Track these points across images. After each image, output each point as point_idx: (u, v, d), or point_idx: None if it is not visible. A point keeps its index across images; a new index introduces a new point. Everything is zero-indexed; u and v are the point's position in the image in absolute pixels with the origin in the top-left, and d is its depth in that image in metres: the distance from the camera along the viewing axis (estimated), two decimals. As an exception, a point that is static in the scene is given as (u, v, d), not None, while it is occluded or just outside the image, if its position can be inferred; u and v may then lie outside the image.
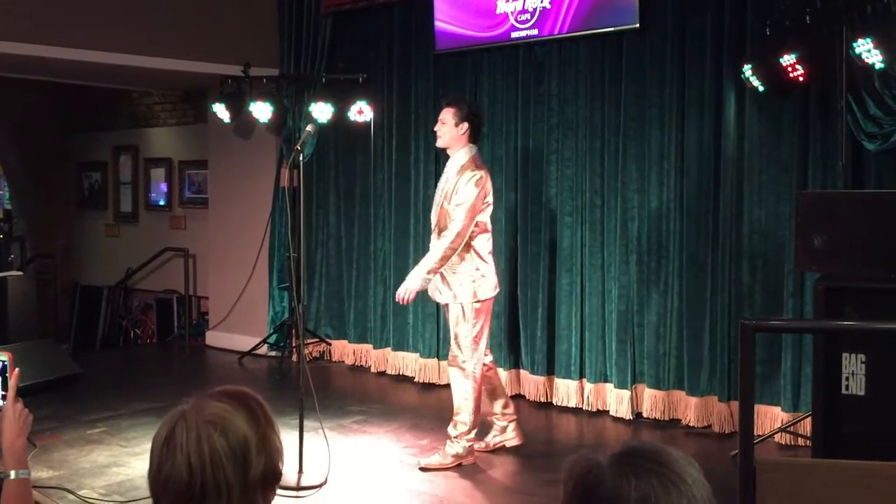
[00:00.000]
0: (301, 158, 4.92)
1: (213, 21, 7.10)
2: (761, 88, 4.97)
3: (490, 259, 4.69)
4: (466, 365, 4.60)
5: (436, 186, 6.52)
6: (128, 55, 6.67)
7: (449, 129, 4.64)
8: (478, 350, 4.63)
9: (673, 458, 1.19)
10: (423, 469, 4.62)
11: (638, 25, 5.52)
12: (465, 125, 4.63)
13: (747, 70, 4.95)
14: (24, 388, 6.49)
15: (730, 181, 5.25)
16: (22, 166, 9.98)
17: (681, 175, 5.43)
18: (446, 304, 4.69)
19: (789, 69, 4.76)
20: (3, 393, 2.09)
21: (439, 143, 4.75)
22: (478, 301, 4.59)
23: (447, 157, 6.45)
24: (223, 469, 1.42)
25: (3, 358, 2.14)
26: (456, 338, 4.63)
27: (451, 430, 4.67)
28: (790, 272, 5.00)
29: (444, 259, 4.54)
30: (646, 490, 1.14)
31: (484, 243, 4.65)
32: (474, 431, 4.67)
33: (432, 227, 4.78)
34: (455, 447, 4.64)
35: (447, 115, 4.66)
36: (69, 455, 4.85)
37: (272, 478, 1.49)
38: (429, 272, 4.56)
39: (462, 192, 4.52)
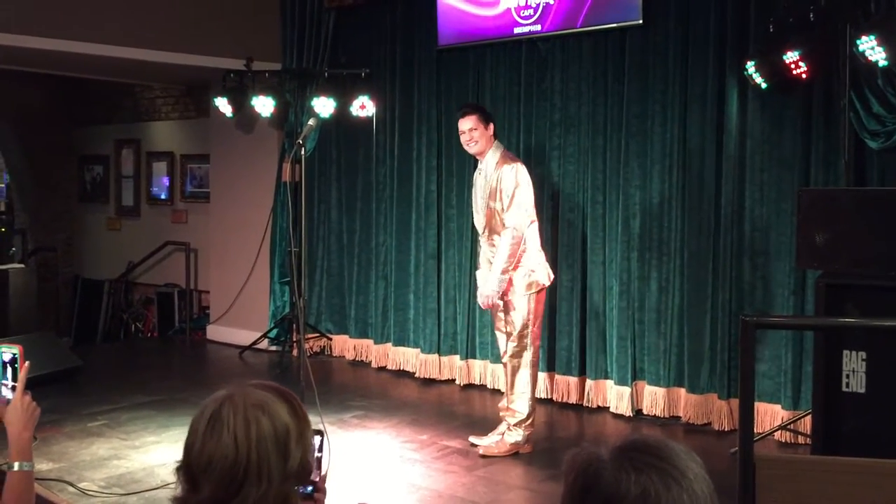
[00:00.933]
0: (303, 153, 4.92)
1: (216, 15, 7.10)
2: (764, 85, 4.96)
3: (541, 250, 4.82)
4: (525, 355, 4.75)
5: (438, 181, 6.60)
6: (130, 49, 6.66)
7: (482, 133, 4.77)
8: (537, 340, 4.82)
9: (675, 452, 1.18)
10: (483, 456, 4.76)
11: (641, 21, 5.51)
12: (491, 126, 4.83)
13: (750, 67, 4.94)
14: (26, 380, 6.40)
15: (731, 178, 5.25)
16: (24, 159, 9.98)
17: (682, 172, 5.43)
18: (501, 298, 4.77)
19: (792, 66, 4.74)
20: (13, 384, 2.10)
21: (475, 150, 4.83)
22: (535, 291, 4.72)
23: (449, 153, 6.53)
24: (268, 453, 1.43)
25: (14, 350, 2.15)
26: (515, 329, 4.74)
27: (509, 418, 4.81)
28: (791, 269, 4.99)
29: (512, 255, 4.65)
30: (646, 485, 1.14)
31: (534, 234, 4.78)
32: (532, 419, 4.83)
33: (480, 230, 4.91)
34: (514, 436, 4.79)
35: (474, 122, 4.77)
36: (69, 447, 4.86)
37: (305, 473, 1.49)
38: (503, 272, 4.66)
39: (507, 189, 4.66)
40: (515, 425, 4.79)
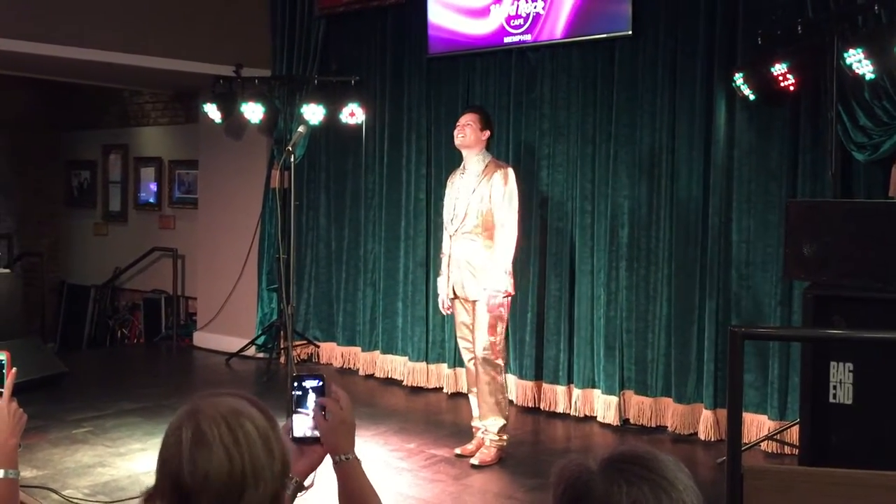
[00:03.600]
0: (292, 160, 4.92)
1: (206, 21, 7.08)
2: (752, 97, 5.00)
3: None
4: (500, 360, 4.78)
5: (427, 189, 6.59)
6: (119, 54, 6.64)
7: (473, 131, 4.83)
8: (505, 343, 4.90)
9: (664, 463, 1.18)
10: (475, 467, 4.74)
11: (630, 32, 5.54)
12: (487, 133, 4.88)
13: (738, 78, 4.98)
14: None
15: (719, 188, 5.27)
16: (10, 164, 9.92)
17: (670, 182, 5.45)
18: (474, 301, 4.76)
19: (780, 78, 4.78)
20: (0, 391, 2.08)
21: (461, 142, 4.85)
22: (509, 294, 4.76)
23: (439, 161, 6.53)
24: (259, 454, 1.41)
25: (1, 356, 2.12)
26: (490, 333, 4.71)
27: (491, 426, 4.80)
28: (778, 280, 5.02)
29: (514, 255, 4.74)
30: (637, 497, 1.13)
31: None
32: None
33: (453, 229, 4.83)
34: (501, 442, 4.83)
35: (472, 119, 4.86)
36: (54, 454, 4.82)
37: (287, 469, 1.49)
38: (507, 272, 4.70)
39: (508, 193, 4.73)
40: (499, 432, 4.82)
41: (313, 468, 1.81)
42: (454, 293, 4.89)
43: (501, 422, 4.81)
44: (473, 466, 4.75)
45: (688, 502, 1.15)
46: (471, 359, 4.91)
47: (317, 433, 1.78)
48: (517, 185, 4.81)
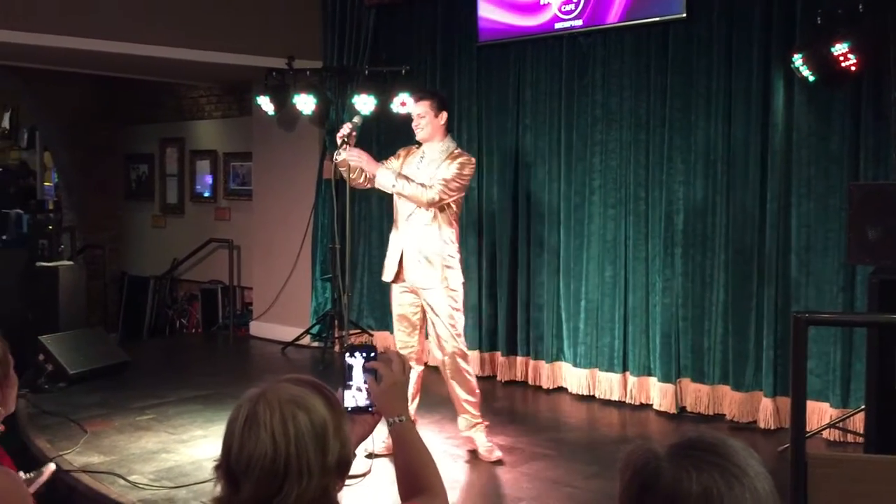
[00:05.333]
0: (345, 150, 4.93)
1: (258, 14, 7.16)
2: (811, 78, 4.88)
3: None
4: (465, 347, 4.72)
5: (479, 177, 6.57)
6: (174, 48, 6.75)
7: (430, 121, 4.58)
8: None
9: (734, 449, 1.17)
10: (495, 463, 4.60)
11: (684, 15, 5.45)
12: (444, 115, 4.62)
13: (797, 59, 4.86)
14: (76, 375, 6.50)
15: (777, 173, 5.17)
16: (72, 158, 10.17)
17: (727, 167, 5.36)
18: (426, 290, 4.60)
19: (841, 59, 4.66)
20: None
21: (421, 136, 4.64)
22: (461, 284, 4.68)
23: (490, 150, 6.53)
24: (307, 448, 1.42)
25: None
26: (453, 325, 4.62)
27: (476, 413, 4.71)
28: (840, 266, 4.90)
29: (410, 197, 4.49)
30: (707, 484, 1.12)
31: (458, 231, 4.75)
32: None
33: (423, 213, 4.56)
34: (483, 421, 4.75)
35: (424, 108, 4.59)
36: (119, 441, 4.95)
37: (344, 466, 1.49)
38: (393, 186, 4.50)
39: (456, 168, 4.51)
40: (475, 413, 4.69)
41: (364, 437, 1.83)
42: (400, 278, 4.66)
43: (472, 399, 4.66)
44: (493, 464, 4.58)
45: (759, 488, 1.14)
46: (411, 350, 4.74)
47: (368, 402, 1.78)
48: (470, 175, 4.60)
